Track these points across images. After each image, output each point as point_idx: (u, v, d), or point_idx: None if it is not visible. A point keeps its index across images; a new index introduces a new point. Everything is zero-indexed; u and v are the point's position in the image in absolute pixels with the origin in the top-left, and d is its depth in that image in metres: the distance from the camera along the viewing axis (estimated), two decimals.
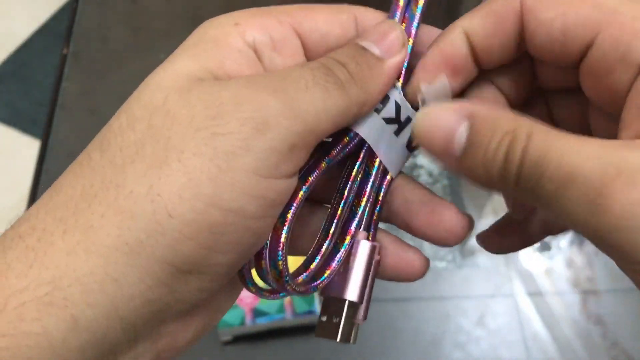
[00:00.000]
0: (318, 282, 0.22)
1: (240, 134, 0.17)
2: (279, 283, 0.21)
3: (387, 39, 0.21)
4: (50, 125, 0.66)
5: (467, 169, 0.19)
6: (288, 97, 0.18)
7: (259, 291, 0.21)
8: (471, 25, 0.21)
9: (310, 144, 0.19)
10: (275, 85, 0.18)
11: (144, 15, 0.79)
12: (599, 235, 0.17)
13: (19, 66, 1.57)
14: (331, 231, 0.22)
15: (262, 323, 0.50)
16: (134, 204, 0.17)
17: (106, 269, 0.17)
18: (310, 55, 0.22)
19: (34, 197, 0.62)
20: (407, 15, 0.23)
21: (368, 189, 0.23)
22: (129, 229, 0.17)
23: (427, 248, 0.61)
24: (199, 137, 0.17)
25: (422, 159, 0.68)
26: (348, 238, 0.22)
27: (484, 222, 0.62)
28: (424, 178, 0.67)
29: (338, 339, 0.22)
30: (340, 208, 0.22)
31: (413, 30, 0.23)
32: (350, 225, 0.23)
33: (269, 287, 0.21)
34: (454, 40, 0.21)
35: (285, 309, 0.51)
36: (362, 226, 0.23)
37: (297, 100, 0.18)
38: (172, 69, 0.20)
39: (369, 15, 0.23)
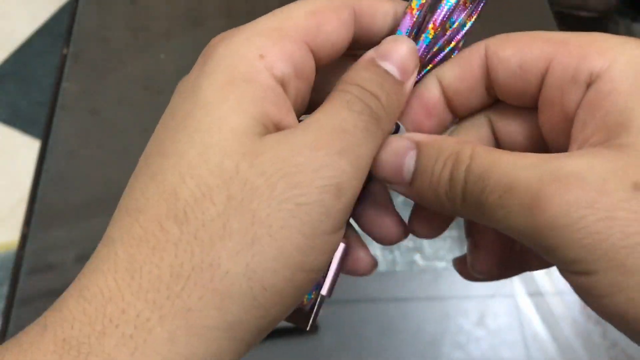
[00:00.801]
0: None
1: (322, 202, 0.18)
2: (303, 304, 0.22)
3: (403, 60, 0.22)
4: (50, 126, 0.66)
5: (417, 194, 0.21)
6: (354, 156, 0.19)
7: None
8: (443, 71, 0.23)
9: None
10: (339, 143, 0.19)
11: (144, 15, 0.79)
12: (537, 237, 0.18)
13: (19, 66, 1.57)
14: None
15: None
16: (231, 285, 0.18)
17: (207, 349, 0.18)
18: (319, 63, 0.22)
19: (34, 197, 0.62)
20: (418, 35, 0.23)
21: None
22: (229, 309, 0.18)
23: (427, 248, 0.61)
24: (285, 210, 0.18)
25: None
26: None
27: None
28: None
29: (307, 329, 0.23)
30: None
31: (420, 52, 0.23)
32: None
33: None
34: (428, 86, 0.23)
35: None
36: None
37: (359, 157, 0.19)
38: (226, 126, 0.19)
39: (365, 3, 0.23)
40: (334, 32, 0.22)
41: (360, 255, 0.24)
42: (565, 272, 0.19)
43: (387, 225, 0.24)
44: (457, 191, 0.19)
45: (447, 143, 0.21)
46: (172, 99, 0.21)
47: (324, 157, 0.19)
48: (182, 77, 0.22)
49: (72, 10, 0.77)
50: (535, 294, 0.56)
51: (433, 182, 0.20)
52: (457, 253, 0.61)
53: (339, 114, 0.20)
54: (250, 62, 0.20)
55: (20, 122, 1.47)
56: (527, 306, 0.56)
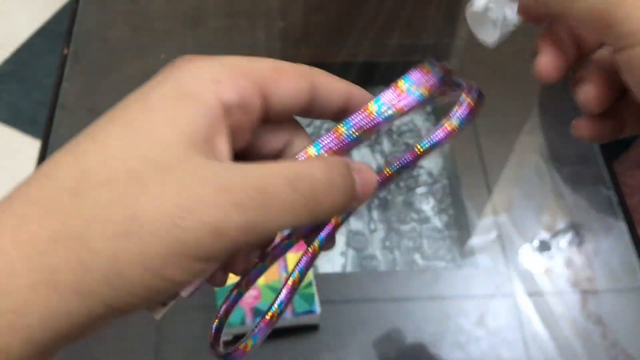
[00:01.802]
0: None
1: (197, 233, 0.20)
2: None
3: (368, 183, 0.24)
4: (51, 125, 0.66)
5: None
6: (253, 215, 0.21)
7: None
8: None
9: (256, 246, 0.22)
10: (246, 199, 0.21)
11: (144, 15, 0.79)
12: (610, 9, 0.22)
13: (19, 66, 1.57)
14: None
15: None
16: (92, 260, 0.20)
17: (63, 305, 0.20)
18: (267, 113, 0.25)
19: None
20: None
21: None
22: (86, 278, 0.20)
23: (427, 248, 0.62)
24: (162, 222, 0.20)
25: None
26: None
27: (484, 222, 0.62)
28: (424, 178, 0.67)
29: (158, 318, 0.26)
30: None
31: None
32: None
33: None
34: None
35: None
36: None
37: (261, 219, 0.21)
38: (154, 136, 0.21)
39: (324, 79, 0.26)
40: (289, 92, 0.24)
41: None
42: (619, 48, 0.22)
43: None
44: None
45: None
46: (127, 97, 0.23)
47: (221, 201, 0.21)
48: None
49: (73, 11, 0.77)
50: (535, 294, 0.56)
51: None
52: (457, 253, 0.61)
53: (271, 178, 0.22)
54: (203, 83, 0.23)
55: (20, 122, 1.47)
56: (526, 306, 0.56)
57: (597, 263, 0.57)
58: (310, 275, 0.52)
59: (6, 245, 0.20)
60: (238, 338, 0.57)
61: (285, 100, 0.25)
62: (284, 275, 0.52)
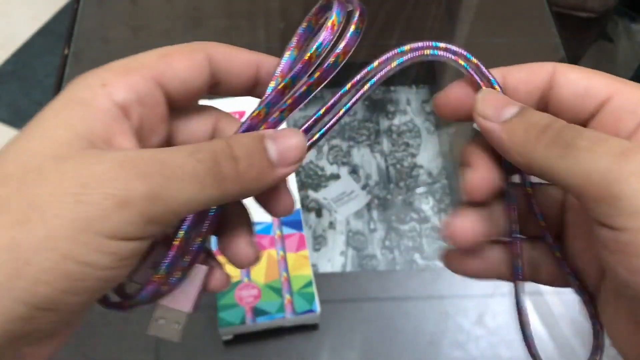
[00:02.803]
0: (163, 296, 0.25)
1: (101, 205, 0.20)
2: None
3: (288, 149, 0.24)
4: None
5: (505, 130, 0.24)
6: (156, 183, 0.20)
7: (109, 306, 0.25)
8: (511, 69, 0.26)
9: (170, 221, 0.22)
10: (148, 169, 0.21)
11: (144, 15, 0.79)
12: (615, 181, 0.20)
13: (20, 66, 1.57)
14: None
15: (263, 322, 0.51)
16: None
17: None
18: (173, 99, 0.24)
19: None
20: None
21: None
22: None
23: (427, 248, 0.62)
24: (64, 202, 0.20)
25: (421, 159, 0.68)
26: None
27: None
28: (423, 177, 0.67)
29: (178, 340, 0.26)
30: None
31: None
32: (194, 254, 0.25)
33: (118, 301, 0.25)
34: (493, 75, 0.26)
35: (286, 308, 0.51)
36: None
37: (165, 187, 0.21)
38: (47, 136, 0.21)
39: (220, 50, 0.25)
40: (184, 70, 0.24)
41: (216, 276, 0.27)
42: (611, 226, 0.20)
43: (242, 249, 0.26)
44: (549, 134, 0.22)
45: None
46: None
47: (121, 172, 0.20)
48: None
49: (73, 11, 0.77)
50: (534, 293, 0.56)
51: (530, 125, 0.23)
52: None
53: (173, 152, 0.22)
54: (91, 89, 0.23)
55: (21, 122, 1.47)
56: (526, 305, 0.56)
57: None
58: (310, 275, 0.52)
59: None
60: (238, 338, 0.57)
61: (184, 78, 0.24)
62: (284, 275, 0.52)
